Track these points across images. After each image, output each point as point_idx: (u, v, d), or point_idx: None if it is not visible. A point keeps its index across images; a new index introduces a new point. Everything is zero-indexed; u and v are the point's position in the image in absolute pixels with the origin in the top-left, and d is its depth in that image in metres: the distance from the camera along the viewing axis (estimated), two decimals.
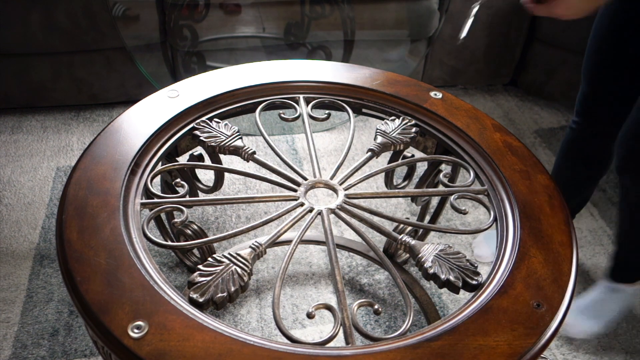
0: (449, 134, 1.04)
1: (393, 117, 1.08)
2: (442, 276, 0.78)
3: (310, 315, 0.73)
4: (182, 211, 0.84)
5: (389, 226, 1.51)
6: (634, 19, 1.02)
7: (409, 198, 1.62)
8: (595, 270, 1.50)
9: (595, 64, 1.18)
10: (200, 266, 0.75)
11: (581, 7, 0.89)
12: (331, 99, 1.11)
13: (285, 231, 0.84)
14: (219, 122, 1.02)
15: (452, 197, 0.92)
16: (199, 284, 0.73)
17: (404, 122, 1.06)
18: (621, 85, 1.15)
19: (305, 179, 0.96)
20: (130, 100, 1.93)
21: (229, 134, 1.00)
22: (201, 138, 0.98)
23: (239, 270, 0.75)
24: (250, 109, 1.08)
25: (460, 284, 0.78)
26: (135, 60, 1.82)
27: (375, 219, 1.44)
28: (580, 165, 1.34)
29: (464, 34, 1.01)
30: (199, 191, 1.21)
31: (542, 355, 0.71)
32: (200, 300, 0.71)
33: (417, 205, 1.50)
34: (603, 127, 1.24)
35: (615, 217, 1.66)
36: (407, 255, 1.40)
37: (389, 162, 1.20)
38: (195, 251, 1.38)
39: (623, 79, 1.15)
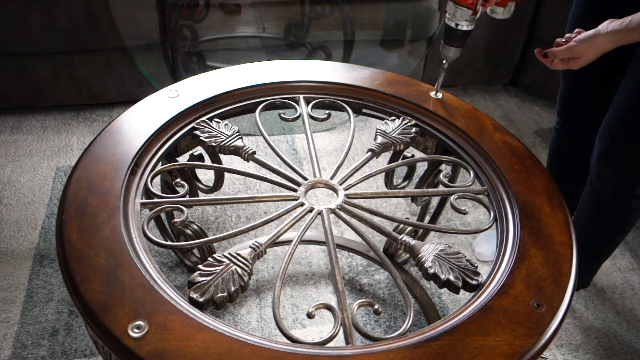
0: (449, 134, 1.04)
1: (393, 117, 1.08)
2: (442, 276, 0.78)
3: (310, 315, 0.73)
4: (182, 211, 0.84)
5: (389, 226, 1.51)
6: (606, 13, 1.03)
7: (409, 198, 1.62)
8: None
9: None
10: (200, 266, 0.75)
11: (592, 58, 1.00)
12: (331, 99, 1.11)
13: (285, 231, 0.84)
14: (219, 122, 1.02)
15: (452, 197, 0.92)
16: (199, 284, 0.73)
17: (404, 122, 1.06)
18: (597, 80, 1.18)
19: (306, 179, 0.96)
20: (130, 100, 1.93)
21: (229, 134, 1.00)
22: (201, 138, 0.98)
23: (239, 270, 0.75)
24: (250, 109, 1.08)
25: (460, 284, 0.78)
26: (135, 60, 1.82)
27: (375, 219, 1.44)
28: (570, 163, 1.35)
29: (438, 87, 1.12)
30: (199, 191, 1.21)
31: (542, 356, 0.71)
32: (200, 300, 0.71)
33: (417, 205, 1.50)
34: (584, 122, 1.26)
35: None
36: (407, 255, 1.40)
37: (389, 162, 1.20)
38: (195, 251, 1.38)
39: (598, 74, 1.16)
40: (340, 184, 0.96)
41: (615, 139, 1.08)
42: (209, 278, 0.74)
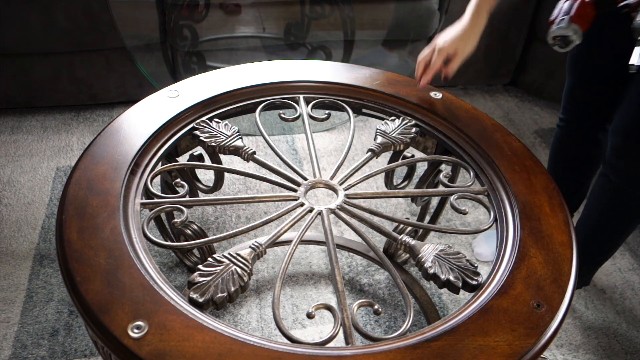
0: (449, 134, 1.04)
1: (393, 117, 1.08)
2: (442, 276, 0.78)
3: (310, 316, 0.73)
4: (182, 211, 0.84)
5: (389, 226, 1.51)
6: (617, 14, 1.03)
7: (409, 198, 1.62)
8: None
9: (580, 55, 1.20)
10: (200, 266, 0.75)
11: (468, 48, 1.05)
12: (331, 99, 1.11)
13: (285, 231, 0.84)
14: (219, 122, 1.01)
15: (452, 197, 0.92)
16: (199, 284, 0.73)
17: (404, 122, 1.06)
18: (605, 75, 1.17)
19: (305, 179, 0.96)
20: (130, 100, 1.93)
21: (229, 134, 1.00)
22: (201, 138, 0.98)
23: (239, 270, 0.75)
24: (250, 109, 1.08)
25: (460, 284, 0.78)
26: (135, 60, 1.82)
27: (375, 219, 1.44)
28: (572, 161, 1.35)
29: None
30: (199, 191, 1.21)
31: (542, 356, 0.71)
32: (200, 300, 0.71)
33: (417, 206, 1.50)
34: (589, 118, 1.26)
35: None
36: (407, 255, 1.40)
37: (389, 162, 1.20)
38: (195, 251, 1.38)
39: (607, 69, 1.16)
40: (340, 184, 0.96)
41: (631, 131, 1.08)
42: (208, 278, 0.74)
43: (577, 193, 1.41)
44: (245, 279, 0.75)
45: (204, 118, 1.01)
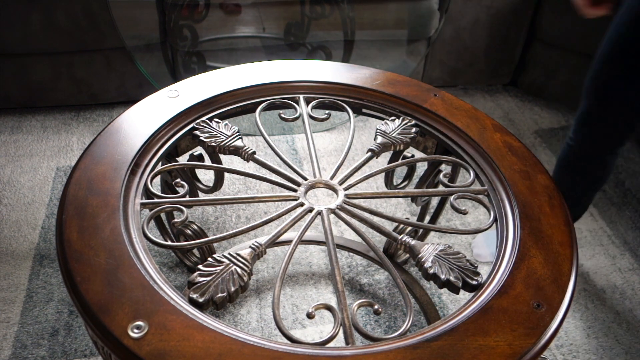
0: (449, 134, 1.04)
1: (393, 117, 1.08)
2: (442, 276, 0.78)
3: (310, 316, 0.73)
4: (182, 211, 0.84)
5: (389, 226, 1.51)
6: None
7: (409, 198, 1.62)
8: (595, 270, 1.50)
9: (607, 77, 1.13)
10: (200, 266, 0.75)
11: None
12: (331, 99, 1.11)
13: (285, 231, 0.84)
14: (219, 122, 1.02)
15: (452, 197, 0.92)
16: (199, 284, 0.73)
17: (404, 122, 1.06)
18: (624, 101, 1.12)
19: (305, 179, 0.96)
20: (130, 100, 1.93)
21: (229, 134, 1.00)
22: (201, 138, 0.98)
23: (239, 270, 0.75)
24: (250, 109, 1.08)
25: (460, 284, 0.78)
26: (135, 60, 1.82)
27: (375, 219, 1.44)
28: (579, 180, 1.33)
29: None
30: (199, 191, 1.21)
31: (542, 356, 0.71)
32: (200, 300, 0.71)
33: (417, 206, 1.50)
34: (603, 144, 1.23)
35: (615, 216, 1.66)
36: (407, 255, 1.40)
37: (389, 162, 1.20)
38: (195, 251, 1.38)
39: (627, 96, 1.11)
40: (340, 184, 0.96)
41: None
42: (208, 278, 0.74)
43: (579, 205, 1.40)
44: (245, 279, 0.75)
45: (204, 118, 1.01)
